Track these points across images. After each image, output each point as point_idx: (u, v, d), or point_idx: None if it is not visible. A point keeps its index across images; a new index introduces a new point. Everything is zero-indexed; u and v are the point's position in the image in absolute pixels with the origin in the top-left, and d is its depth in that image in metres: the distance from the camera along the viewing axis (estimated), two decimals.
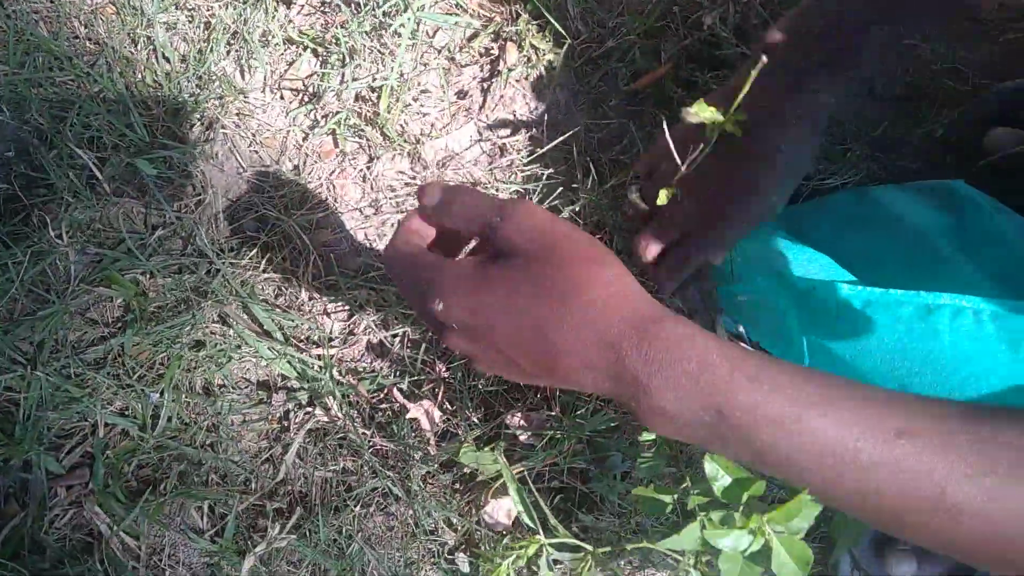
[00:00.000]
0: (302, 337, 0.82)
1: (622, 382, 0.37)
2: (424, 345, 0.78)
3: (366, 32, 0.84)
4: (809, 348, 0.65)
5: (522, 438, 0.72)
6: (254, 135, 0.86)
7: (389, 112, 0.84)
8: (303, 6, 0.87)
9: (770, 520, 0.41)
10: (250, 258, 0.81)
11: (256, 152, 0.86)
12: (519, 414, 0.73)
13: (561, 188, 0.82)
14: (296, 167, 0.86)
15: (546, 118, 0.85)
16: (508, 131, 0.87)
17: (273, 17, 0.86)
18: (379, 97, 0.84)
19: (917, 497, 0.34)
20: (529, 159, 0.84)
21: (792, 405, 0.35)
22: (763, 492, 0.44)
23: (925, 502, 0.34)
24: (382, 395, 0.80)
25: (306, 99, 0.87)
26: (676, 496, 0.57)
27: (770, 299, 0.71)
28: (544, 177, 0.83)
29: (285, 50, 0.87)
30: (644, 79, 0.83)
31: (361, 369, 0.82)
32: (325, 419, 0.81)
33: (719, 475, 0.46)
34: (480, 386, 0.77)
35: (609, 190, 0.82)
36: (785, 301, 0.69)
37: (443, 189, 0.46)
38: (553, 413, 0.74)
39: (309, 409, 0.81)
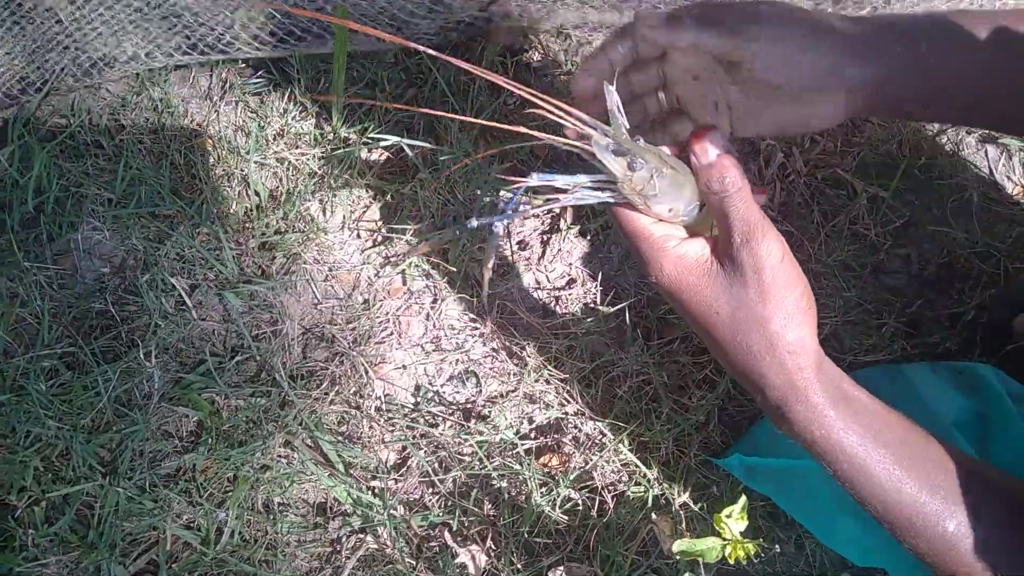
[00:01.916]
0: (360, 466, 0.87)
1: (777, 393, 0.51)
2: (475, 490, 0.84)
3: (439, 189, 0.92)
4: (845, 531, 0.69)
5: None
6: (330, 269, 0.93)
7: (456, 265, 0.90)
8: (387, 158, 0.95)
9: None
10: (320, 389, 0.87)
11: (331, 285, 0.93)
12: (561, 567, 0.78)
13: (613, 349, 0.88)
14: (366, 301, 0.93)
15: (600, 274, 0.92)
16: (564, 283, 0.93)
17: (355, 166, 0.94)
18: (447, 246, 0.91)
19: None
20: (584, 316, 0.90)
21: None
22: None
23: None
24: (432, 531, 0.85)
25: (379, 240, 0.94)
26: None
27: (807, 475, 0.76)
28: (596, 333, 0.89)
29: (364, 194, 0.95)
30: None
31: (412, 501, 0.87)
32: (375, 546, 0.86)
33: None
34: (524, 532, 0.82)
35: (656, 348, 0.88)
36: (820, 479, 0.74)
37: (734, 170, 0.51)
38: (593, 568, 0.79)
39: (361, 535, 0.87)
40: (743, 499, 0.66)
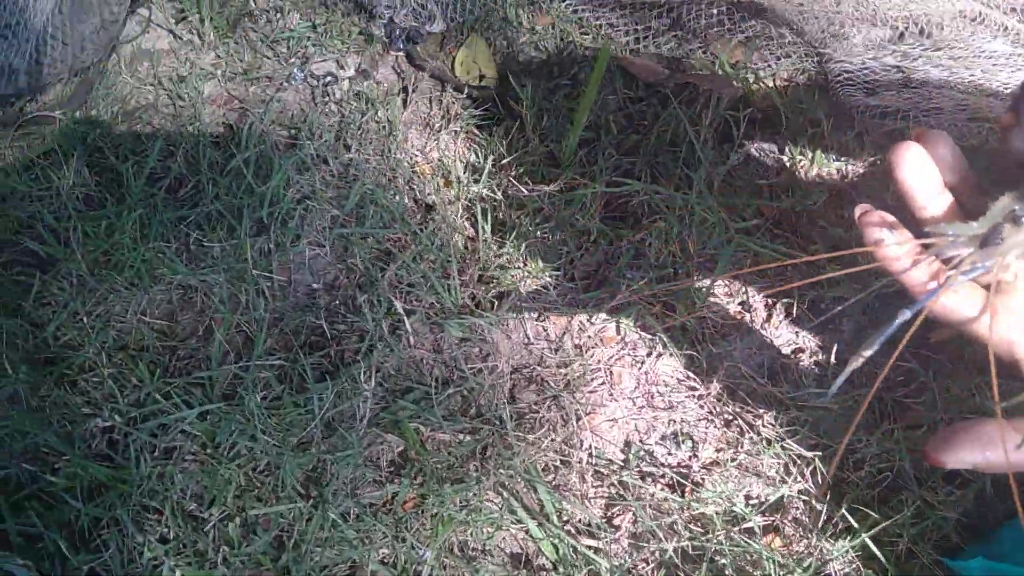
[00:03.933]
0: (569, 520, 0.83)
1: None
2: (703, 565, 0.78)
3: (669, 240, 0.89)
4: None
5: None
6: (544, 309, 0.90)
7: (680, 314, 0.87)
8: (607, 201, 0.93)
9: None
10: (537, 434, 0.84)
11: (544, 326, 0.90)
12: None
13: (859, 432, 0.83)
14: (578, 347, 0.89)
15: (835, 347, 0.87)
16: (790, 350, 0.88)
17: (587, 208, 0.92)
18: (673, 295, 0.88)
19: None
20: (815, 388, 0.85)
21: None
22: None
23: None
24: None
25: (594, 285, 0.91)
26: None
27: None
28: (824, 408, 0.84)
29: (585, 235, 0.92)
30: (947, 331, 0.84)
31: (616, 566, 0.82)
32: None
33: None
34: None
35: (900, 433, 0.82)
36: None
37: None
38: None
39: None
40: None
